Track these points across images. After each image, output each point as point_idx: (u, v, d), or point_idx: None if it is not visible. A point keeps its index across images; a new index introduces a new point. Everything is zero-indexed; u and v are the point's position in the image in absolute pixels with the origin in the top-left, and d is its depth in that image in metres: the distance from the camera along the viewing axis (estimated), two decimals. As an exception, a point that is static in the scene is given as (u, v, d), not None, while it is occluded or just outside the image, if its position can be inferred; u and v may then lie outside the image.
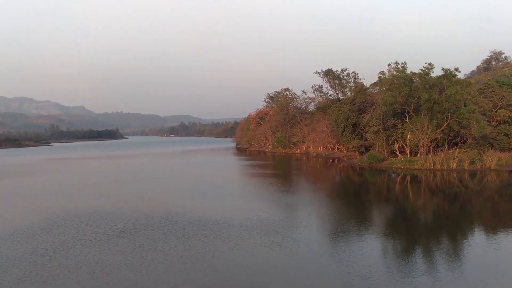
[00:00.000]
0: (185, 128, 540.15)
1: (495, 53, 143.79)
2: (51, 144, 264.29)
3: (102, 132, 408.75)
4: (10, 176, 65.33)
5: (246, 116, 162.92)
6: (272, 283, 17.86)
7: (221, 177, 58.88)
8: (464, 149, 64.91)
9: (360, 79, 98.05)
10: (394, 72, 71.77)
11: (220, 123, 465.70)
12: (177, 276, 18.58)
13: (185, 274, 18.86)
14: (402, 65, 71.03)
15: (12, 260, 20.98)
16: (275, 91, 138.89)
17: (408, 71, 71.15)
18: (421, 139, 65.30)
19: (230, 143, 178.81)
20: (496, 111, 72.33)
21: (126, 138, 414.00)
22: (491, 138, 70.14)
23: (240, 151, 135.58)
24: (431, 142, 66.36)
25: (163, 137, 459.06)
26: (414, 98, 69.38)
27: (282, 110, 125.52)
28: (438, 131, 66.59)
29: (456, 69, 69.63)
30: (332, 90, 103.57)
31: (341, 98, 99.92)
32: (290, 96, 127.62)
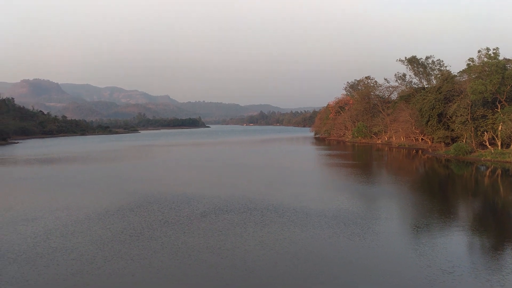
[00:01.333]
0: (264, 117, 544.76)
1: None
2: (139, 131, 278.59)
3: (186, 120, 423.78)
4: (102, 161, 69.88)
5: (326, 105, 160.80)
6: (351, 273, 17.59)
7: (299, 166, 58.80)
8: None
9: (446, 66, 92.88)
10: (485, 59, 67.16)
11: (299, 112, 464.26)
12: (255, 261, 18.86)
13: (263, 259, 19.10)
14: (494, 51, 66.28)
15: (105, 239, 22.44)
16: (355, 80, 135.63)
17: (501, 58, 66.29)
18: (515, 130, 60.78)
19: (308, 132, 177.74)
20: None
21: (208, 127, 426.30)
22: None
23: (319, 140, 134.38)
24: (526, 133, 61.58)
25: (242, 126, 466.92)
26: (507, 87, 64.61)
27: (363, 99, 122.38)
28: (534, 121, 61.56)
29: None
30: (416, 78, 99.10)
31: (425, 86, 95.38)
32: (372, 85, 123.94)
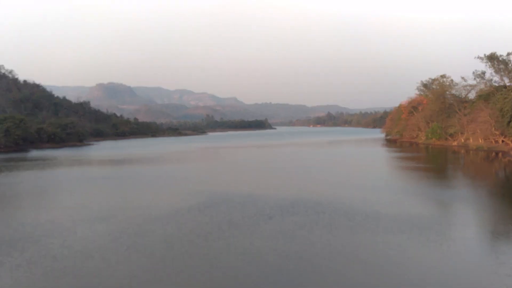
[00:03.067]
0: (332, 118, 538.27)
1: None
2: (207, 133, 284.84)
3: (252, 122, 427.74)
4: (172, 163, 72.04)
5: (397, 105, 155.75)
6: (426, 282, 16.70)
7: (369, 169, 57.30)
8: None
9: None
10: None
11: (368, 112, 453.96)
12: (322, 264, 18.43)
13: (331, 263, 18.63)
14: None
15: (174, 238, 22.91)
16: (429, 78, 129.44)
17: None
18: None
19: (379, 133, 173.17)
20: None
21: (274, 128, 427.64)
22: None
23: (390, 142, 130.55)
24: None
25: (309, 127, 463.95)
26: None
27: (438, 99, 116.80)
28: None
29: None
30: (497, 76, 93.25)
31: (507, 84, 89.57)
32: (447, 84, 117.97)
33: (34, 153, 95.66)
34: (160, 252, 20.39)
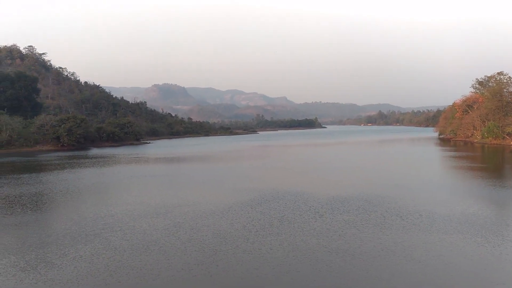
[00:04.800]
0: (383, 117, 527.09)
1: None
2: (257, 132, 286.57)
3: (302, 121, 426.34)
4: (224, 161, 73.40)
5: (451, 104, 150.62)
6: (483, 282, 16.46)
7: (422, 168, 55.98)
8: None
9: None
10: None
11: (421, 111, 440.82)
12: (373, 262, 18.49)
13: (383, 262, 18.65)
14: None
15: (227, 233, 23.62)
16: (485, 76, 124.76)
17: None
18: None
19: (432, 132, 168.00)
20: None
21: (325, 127, 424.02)
22: None
23: (443, 141, 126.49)
24: None
25: (360, 126, 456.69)
26: None
27: (495, 97, 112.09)
28: None
29: None
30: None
31: None
32: (505, 81, 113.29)
33: (94, 151, 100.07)
34: (213, 247, 21.13)
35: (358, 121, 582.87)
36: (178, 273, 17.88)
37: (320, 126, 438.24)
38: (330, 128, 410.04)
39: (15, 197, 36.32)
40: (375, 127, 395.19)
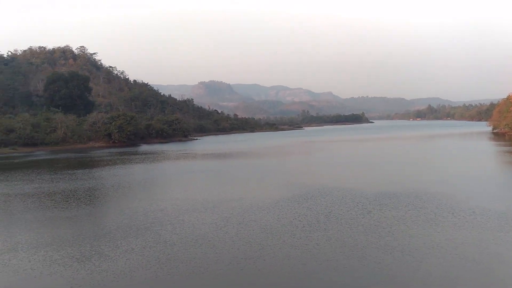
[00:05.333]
0: (433, 111, 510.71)
1: None
2: (303, 128, 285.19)
3: (349, 116, 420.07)
4: (270, 156, 73.55)
5: (506, 97, 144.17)
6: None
7: (474, 164, 53.97)
8: None
9: None
10: None
11: (473, 105, 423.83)
12: (422, 260, 18.03)
13: (434, 259, 18.17)
14: None
15: (274, 228, 23.71)
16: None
17: None
18: None
19: (485, 127, 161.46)
20: None
21: (372, 122, 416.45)
22: None
23: (498, 135, 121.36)
24: None
25: (409, 121, 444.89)
26: None
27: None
28: None
29: None
30: None
31: None
32: None
33: (144, 148, 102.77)
34: (260, 241, 21.26)
35: (407, 115, 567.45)
36: (226, 266, 18.13)
37: (367, 121, 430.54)
38: (377, 123, 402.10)
39: (70, 191, 37.88)
40: (424, 122, 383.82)
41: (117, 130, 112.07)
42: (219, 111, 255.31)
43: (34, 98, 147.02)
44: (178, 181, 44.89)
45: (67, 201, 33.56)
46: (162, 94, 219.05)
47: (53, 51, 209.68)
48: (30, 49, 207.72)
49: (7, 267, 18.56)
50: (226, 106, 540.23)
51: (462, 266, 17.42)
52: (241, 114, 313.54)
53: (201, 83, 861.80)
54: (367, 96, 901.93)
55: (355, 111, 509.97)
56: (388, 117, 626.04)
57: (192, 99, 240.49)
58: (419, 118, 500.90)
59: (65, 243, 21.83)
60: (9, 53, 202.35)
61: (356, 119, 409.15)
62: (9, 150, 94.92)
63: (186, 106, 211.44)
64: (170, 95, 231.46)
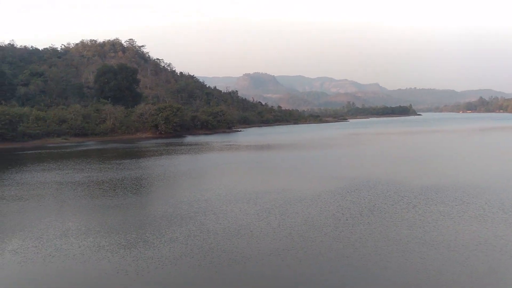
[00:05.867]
0: (484, 104, 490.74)
1: None
2: (347, 120, 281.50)
3: (395, 108, 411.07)
4: (313, 148, 73.15)
5: None
6: None
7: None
8: None
9: None
10: None
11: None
12: (472, 257, 17.50)
13: (485, 256, 17.58)
14: None
15: (316, 220, 23.62)
16: None
17: None
18: None
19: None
20: None
21: (419, 115, 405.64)
22: None
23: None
24: None
25: (458, 114, 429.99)
26: None
27: None
28: None
29: None
30: None
31: None
32: None
33: (189, 139, 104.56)
34: (302, 233, 21.25)
35: (456, 108, 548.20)
36: (267, 257, 18.26)
37: (414, 113, 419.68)
38: (425, 115, 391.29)
39: (118, 180, 39.11)
40: (475, 115, 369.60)
41: (163, 122, 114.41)
42: (263, 103, 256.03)
43: (85, 89, 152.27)
44: (221, 172, 45.45)
45: (115, 190, 34.67)
46: (207, 86, 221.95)
47: (104, 44, 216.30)
48: (82, 42, 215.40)
49: (59, 252, 19.43)
50: (270, 97, 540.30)
51: (511, 264, 16.78)
52: (285, 106, 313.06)
53: (246, 75, 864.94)
54: (415, 88, 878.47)
55: (402, 103, 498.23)
56: (437, 109, 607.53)
57: (236, 91, 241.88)
58: (470, 110, 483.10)
59: (112, 230, 22.61)
60: (63, 46, 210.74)
61: (403, 111, 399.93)
62: (61, 140, 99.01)
63: (231, 98, 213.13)
64: (215, 87, 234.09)
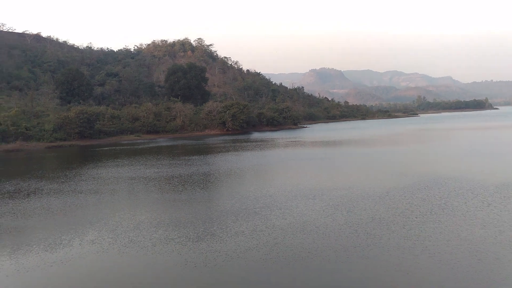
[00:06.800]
0: None
1: None
2: (418, 115, 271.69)
3: (469, 102, 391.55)
4: (382, 144, 71.40)
5: None
6: None
7: None
8: None
9: None
10: None
11: None
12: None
13: None
14: None
15: (384, 218, 23.14)
16: None
17: None
18: None
19: None
20: None
21: (496, 109, 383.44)
22: None
23: None
24: None
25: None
26: None
27: None
28: None
29: None
30: None
31: None
32: None
33: (255, 135, 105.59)
34: (369, 230, 20.89)
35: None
36: (333, 253, 18.16)
37: (491, 107, 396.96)
38: (503, 109, 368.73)
39: (187, 176, 40.33)
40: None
41: (231, 119, 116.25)
42: (330, 99, 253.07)
43: (156, 88, 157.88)
44: (287, 168, 45.53)
45: (184, 185, 35.80)
46: (273, 82, 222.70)
47: (174, 43, 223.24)
48: (153, 42, 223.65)
49: (133, 243, 20.44)
50: (337, 93, 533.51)
51: None
52: (352, 101, 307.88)
53: (312, 70, 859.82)
54: (492, 80, 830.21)
55: (478, 96, 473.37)
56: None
57: (302, 87, 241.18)
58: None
59: (181, 224, 23.42)
60: (135, 47, 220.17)
61: (478, 105, 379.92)
62: (134, 137, 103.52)
63: (297, 94, 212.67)
64: (281, 83, 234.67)
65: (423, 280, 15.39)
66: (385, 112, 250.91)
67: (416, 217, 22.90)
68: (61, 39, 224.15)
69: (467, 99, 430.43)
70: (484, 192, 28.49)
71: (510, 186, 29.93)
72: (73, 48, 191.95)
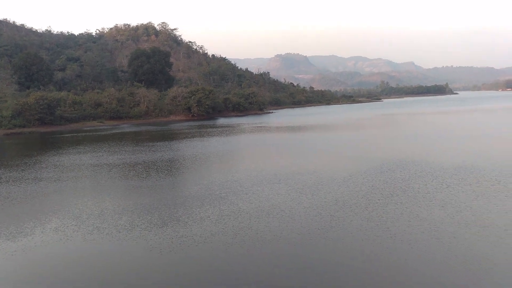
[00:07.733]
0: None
1: None
2: (381, 100, 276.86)
3: (431, 87, 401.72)
4: (345, 129, 72.53)
5: None
6: None
7: None
8: None
9: None
10: None
11: None
12: (510, 237, 17.20)
13: (517, 236, 17.26)
14: None
15: (347, 200, 23.59)
16: None
17: None
18: None
19: None
20: None
21: (456, 94, 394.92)
22: None
23: None
24: None
25: (498, 92, 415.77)
26: None
27: None
28: None
29: None
30: None
31: None
32: None
33: (221, 121, 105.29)
34: (333, 213, 21.27)
35: (496, 86, 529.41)
36: (298, 236, 18.43)
37: (451, 92, 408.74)
38: (462, 94, 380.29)
39: (151, 162, 39.92)
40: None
41: (196, 104, 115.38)
42: (295, 84, 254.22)
43: (119, 73, 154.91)
44: (252, 153, 45.70)
45: (148, 171, 35.43)
46: (239, 68, 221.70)
47: (137, 28, 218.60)
48: (116, 26, 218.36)
49: (97, 230, 20.15)
50: (302, 78, 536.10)
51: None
52: (317, 87, 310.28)
53: (278, 56, 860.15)
54: (452, 66, 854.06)
55: (439, 81, 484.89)
56: (475, 87, 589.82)
57: (268, 72, 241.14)
58: (510, 88, 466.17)
59: (146, 210, 23.22)
60: (97, 31, 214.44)
61: (439, 90, 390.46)
62: (97, 123, 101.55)
63: (262, 79, 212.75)
64: (247, 68, 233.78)
65: (385, 260, 15.81)
66: (349, 97, 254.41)
67: (378, 199, 23.45)
68: (18, 22, 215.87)
69: (429, 84, 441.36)
70: (443, 174, 29.39)
71: (468, 168, 30.98)
72: (31, 31, 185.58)
